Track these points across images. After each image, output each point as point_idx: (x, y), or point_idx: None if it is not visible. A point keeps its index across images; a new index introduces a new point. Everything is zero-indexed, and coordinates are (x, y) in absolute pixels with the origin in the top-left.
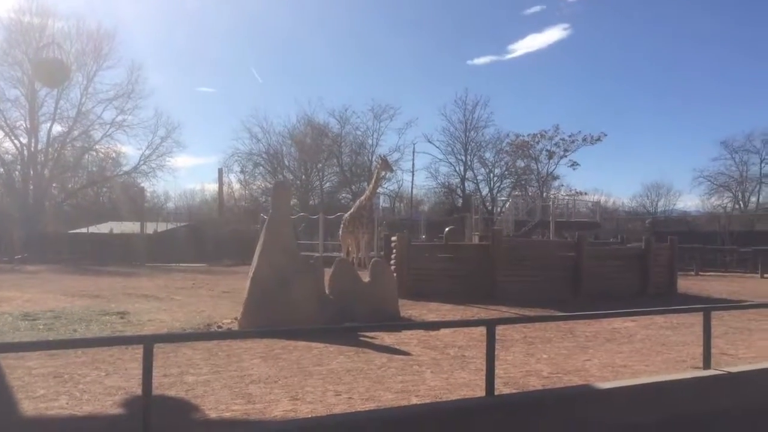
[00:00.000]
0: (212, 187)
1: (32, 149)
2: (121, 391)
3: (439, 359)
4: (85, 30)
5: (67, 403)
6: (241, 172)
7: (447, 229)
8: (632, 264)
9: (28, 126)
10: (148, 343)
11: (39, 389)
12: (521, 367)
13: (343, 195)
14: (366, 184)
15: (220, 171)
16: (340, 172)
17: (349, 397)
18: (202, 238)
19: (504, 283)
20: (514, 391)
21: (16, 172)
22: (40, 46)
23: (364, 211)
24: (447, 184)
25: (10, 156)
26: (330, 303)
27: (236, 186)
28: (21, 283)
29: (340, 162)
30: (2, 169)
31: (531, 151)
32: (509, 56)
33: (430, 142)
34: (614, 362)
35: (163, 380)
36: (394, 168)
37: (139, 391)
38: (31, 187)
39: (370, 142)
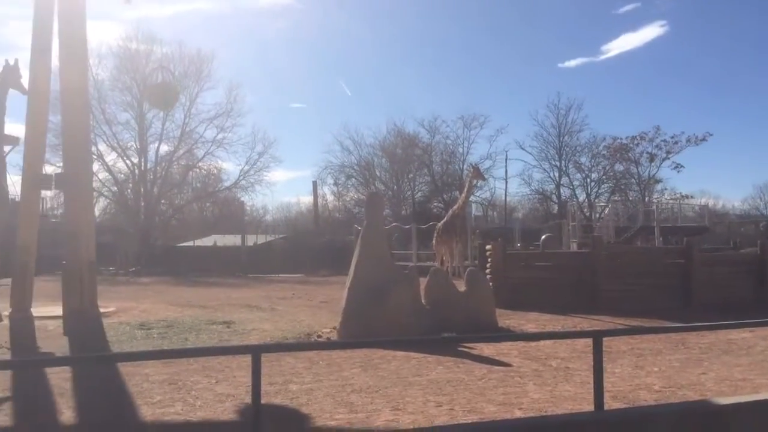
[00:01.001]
0: (307, 200)
1: (142, 168)
2: (230, 398)
3: (541, 371)
4: (187, 54)
5: (182, 409)
6: (335, 184)
7: (543, 236)
8: (747, 270)
9: (138, 147)
10: (256, 352)
11: (156, 395)
12: (630, 380)
13: (435, 204)
14: (458, 193)
15: (314, 184)
16: (431, 181)
17: (451, 409)
18: (298, 249)
19: (606, 291)
20: (624, 405)
21: (128, 190)
22: (149, 71)
23: (457, 219)
24: (541, 190)
25: (122, 175)
26: (426, 312)
27: (330, 198)
28: (136, 295)
29: (431, 171)
30: (116, 188)
31: (630, 154)
32: (603, 57)
33: (522, 148)
34: (732, 376)
35: (269, 388)
36: (486, 176)
37: (247, 399)
38: (142, 203)
39: (460, 150)
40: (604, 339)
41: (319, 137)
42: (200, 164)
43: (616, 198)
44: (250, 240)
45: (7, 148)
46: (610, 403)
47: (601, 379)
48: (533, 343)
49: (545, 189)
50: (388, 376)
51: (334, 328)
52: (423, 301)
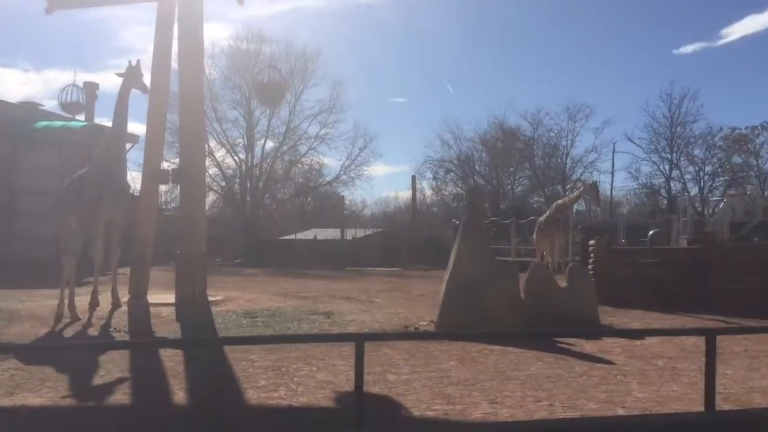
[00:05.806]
0: (406, 194)
1: (249, 164)
2: (331, 385)
3: (646, 370)
4: (293, 52)
5: (285, 394)
6: (433, 178)
7: (651, 232)
8: None
9: (246, 143)
10: (360, 340)
11: (261, 380)
12: (743, 382)
13: (536, 199)
14: (559, 187)
15: (413, 178)
16: (533, 175)
17: (550, 404)
18: (396, 243)
19: (720, 291)
20: (736, 407)
21: (236, 185)
22: (257, 70)
23: (560, 214)
24: (649, 184)
25: (230, 171)
26: (525, 308)
27: (428, 192)
28: (241, 285)
29: (532, 165)
30: (224, 183)
31: (750, 146)
32: (722, 41)
33: (630, 140)
34: None
35: (367, 377)
36: (600, 202)
37: (347, 386)
38: (248, 198)
39: (564, 143)
40: (717, 338)
41: (419, 132)
42: (303, 160)
43: (732, 192)
44: (349, 234)
45: (127, 146)
46: (721, 405)
47: (714, 378)
48: (638, 342)
49: (654, 183)
50: (486, 370)
51: (432, 321)
52: (522, 296)
